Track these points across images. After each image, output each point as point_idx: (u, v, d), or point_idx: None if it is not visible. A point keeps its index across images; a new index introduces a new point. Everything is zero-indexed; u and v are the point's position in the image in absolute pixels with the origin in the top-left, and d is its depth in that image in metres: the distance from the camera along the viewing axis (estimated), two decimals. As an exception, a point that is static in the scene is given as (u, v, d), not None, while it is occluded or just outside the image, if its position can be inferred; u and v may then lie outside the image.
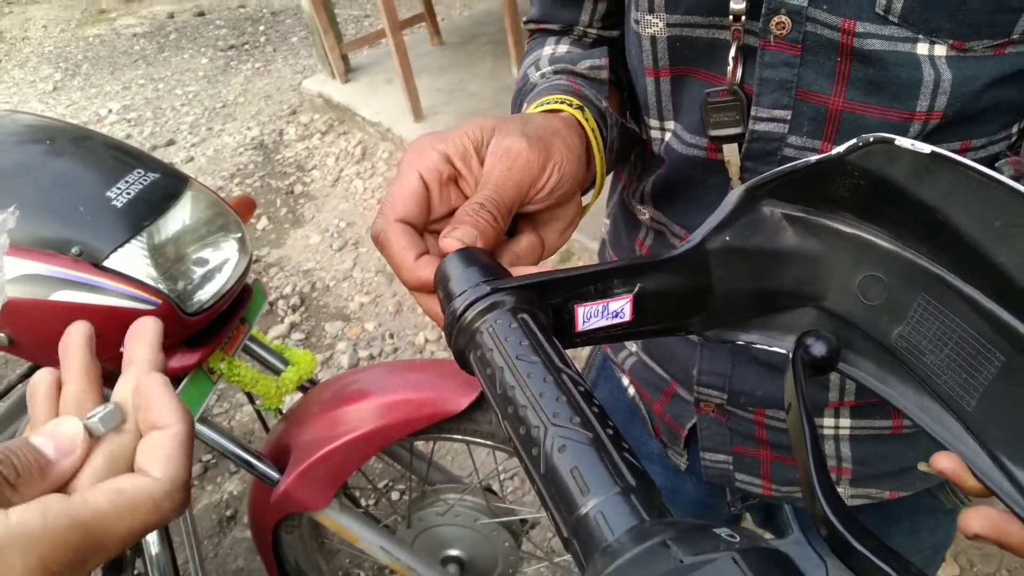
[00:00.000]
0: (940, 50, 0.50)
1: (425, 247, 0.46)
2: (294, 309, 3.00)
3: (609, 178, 0.80)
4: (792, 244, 0.42)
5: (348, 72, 4.45)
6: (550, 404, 0.32)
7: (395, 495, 2.09)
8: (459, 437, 1.35)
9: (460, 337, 0.38)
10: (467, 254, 0.42)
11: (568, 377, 0.33)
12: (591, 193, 0.59)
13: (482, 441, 1.35)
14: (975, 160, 0.58)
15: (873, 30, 0.50)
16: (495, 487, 1.57)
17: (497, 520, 1.48)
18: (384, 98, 4.14)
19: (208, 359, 1.22)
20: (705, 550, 0.24)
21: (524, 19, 0.78)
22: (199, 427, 1.25)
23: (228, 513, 2.17)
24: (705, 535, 0.25)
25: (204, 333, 1.20)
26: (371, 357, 2.69)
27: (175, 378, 1.19)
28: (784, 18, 0.52)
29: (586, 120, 0.56)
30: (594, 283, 0.40)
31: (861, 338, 0.43)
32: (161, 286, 1.09)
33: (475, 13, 5.52)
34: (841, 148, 0.38)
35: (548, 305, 0.39)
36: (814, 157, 0.39)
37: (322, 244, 3.40)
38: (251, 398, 1.50)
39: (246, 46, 5.93)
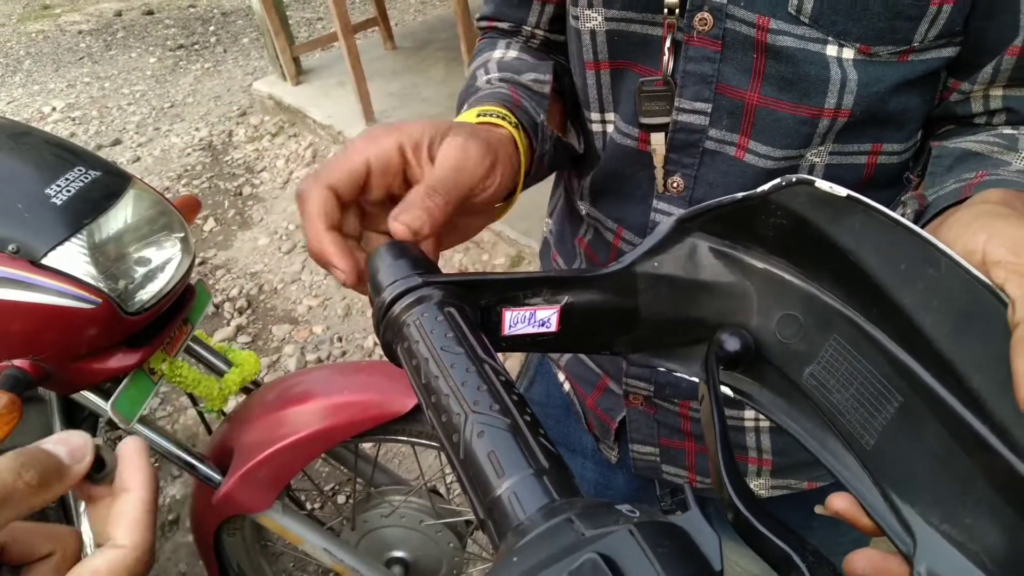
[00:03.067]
0: (848, 53, 0.54)
1: (339, 221, 0.47)
2: (241, 312, 2.97)
3: (551, 177, 0.82)
4: (717, 277, 0.44)
5: (299, 74, 4.42)
6: (471, 393, 0.33)
7: (341, 498, 2.08)
8: (404, 439, 1.35)
9: (388, 331, 0.39)
10: (397, 247, 0.43)
11: (490, 367, 0.35)
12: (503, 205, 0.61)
13: (427, 443, 1.36)
14: (890, 166, 0.61)
15: (786, 28, 0.54)
16: (440, 489, 1.58)
17: (442, 521, 1.48)
18: (336, 101, 4.12)
19: (149, 359, 1.21)
20: (605, 524, 0.26)
21: (476, 16, 0.80)
22: (139, 427, 1.23)
23: (170, 518, 2.13)
24: (607, 511, 0.27)
25: (146, 333, 1.18)
26: (319, 360, 2.68)
27: (115, 378, 1.18)
28: (706, 15, 0.56)
29: (520, 139, 0.58)
30: (523, 289, 0.42)
31: (774, 374, 0.45)
32: (101, 285, 1.07)
33: (428, 19, 5.53)
34: (766, 187, 0.40)
35: (477, 304, 0.41)
36: (740, 194, 0.41)
37: (270, 246, 3.37)
38: (194, 400, 1.49)
39: (196, 46, 5.84)
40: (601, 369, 0.80)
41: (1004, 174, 0.50)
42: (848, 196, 0.37)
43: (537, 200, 0.88)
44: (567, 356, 0.85)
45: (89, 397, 1.19)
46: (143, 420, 1.24)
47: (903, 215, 0.47)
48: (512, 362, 2.35)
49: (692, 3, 0.56)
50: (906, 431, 0.37)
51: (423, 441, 1.35)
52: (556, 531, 0.27)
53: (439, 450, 1.39)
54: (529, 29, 0.75)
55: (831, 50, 0.54)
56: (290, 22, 4.61)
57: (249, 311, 2.98)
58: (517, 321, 0.42)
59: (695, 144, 0.61)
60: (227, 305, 3.01)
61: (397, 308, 0.38)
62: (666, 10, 0.57)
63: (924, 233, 0.35)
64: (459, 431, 0.32)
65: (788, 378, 0.43)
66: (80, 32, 6.42)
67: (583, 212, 0.75)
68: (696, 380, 0.46)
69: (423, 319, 0.37)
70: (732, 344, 0.44)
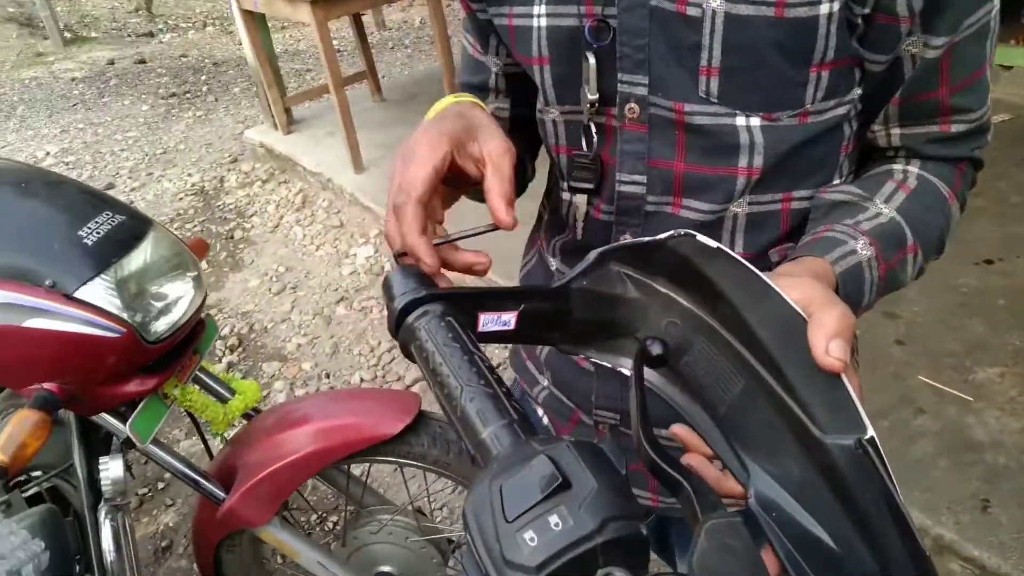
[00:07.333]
0: (755, 120, 0.67)
1: (427, 225, 0.61)
2: (232, 349, 3.09)
3: (524, 242, 0.97)
4: (627, 293, 0.60)
5: (290, 124, 4.60)
6: (465, 373, 0.48)
7: (333, 518, 2.18)
8: (393, 459, 1.48)
9: (404, 333, 0.54)
10: (406, 270, 0.58)
11: (478, 357, 0.50)
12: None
13: (414, 463, 1.48)
14: (803, 210, 0.76)
15: (699, 109, 0.68)
16: (424, 509, 1.70)
17: (426, 538, 1.60)
18: (326, 150, 4.29)
19: (163, 385, 1.34)
20: (552, 443, 0.41)
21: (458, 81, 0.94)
22: (152, 448, 1.35)
23: (164, 544, 2.23)
24: (554, 439, 0.42)
25: (161, 361, 1.32)
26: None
27: (131, 401, 1.30)
28: (634, 104, 0.70)
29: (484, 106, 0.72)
30: (494, 299, 0.57)
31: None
32: (125, 316, 1.21)
33: (415, 73, 5.75)
34: (662, 236, 0.56)
35: (463, 310, 0.56)
36: (645, 239, 0.57)
37: (261, 287, 3.50)
38: (197, 426, 1.61)
39: (187, 95, 6.02)
40: (573, 404, 0.91)
41: (840, 229, 0.66)
42: (717, 248, 0.54)
43: (520, 249, 1.03)
44: (544, 393, 0.96)
45: (107, 419, 1.31)
46: (155, 441, 1.36)
47: (774, 262, 0.67)
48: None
49: (621, 97, 0.70)
50: (746, 404, 0.53)
51: (410, 462, 1.48)
52: (519, 450, 0.41)
53: (424, 471, 1.52)
54: (494, 71, 0.87)
55: (740, 120, 0.67)
56: (281, 73, 4.79)
57: (240, 349, 3.10)
58: (488, 322, 0.56)
59: (638, 208, 0.75)
60: (219, 343, 3.12)
61: (411, 318, 0.53)
62: (596, 104, 0.71)
63: (764, 276, 0.51)
64: (457, 399, 0.47)
65: (670, 366, 0.59)
66: (73, 79, 6.59)
67: (553, 268, 0.90)
68: (620, 369, 0.63)
69: (430, 325, 0.52)
70: (656, 348, 0.59)
